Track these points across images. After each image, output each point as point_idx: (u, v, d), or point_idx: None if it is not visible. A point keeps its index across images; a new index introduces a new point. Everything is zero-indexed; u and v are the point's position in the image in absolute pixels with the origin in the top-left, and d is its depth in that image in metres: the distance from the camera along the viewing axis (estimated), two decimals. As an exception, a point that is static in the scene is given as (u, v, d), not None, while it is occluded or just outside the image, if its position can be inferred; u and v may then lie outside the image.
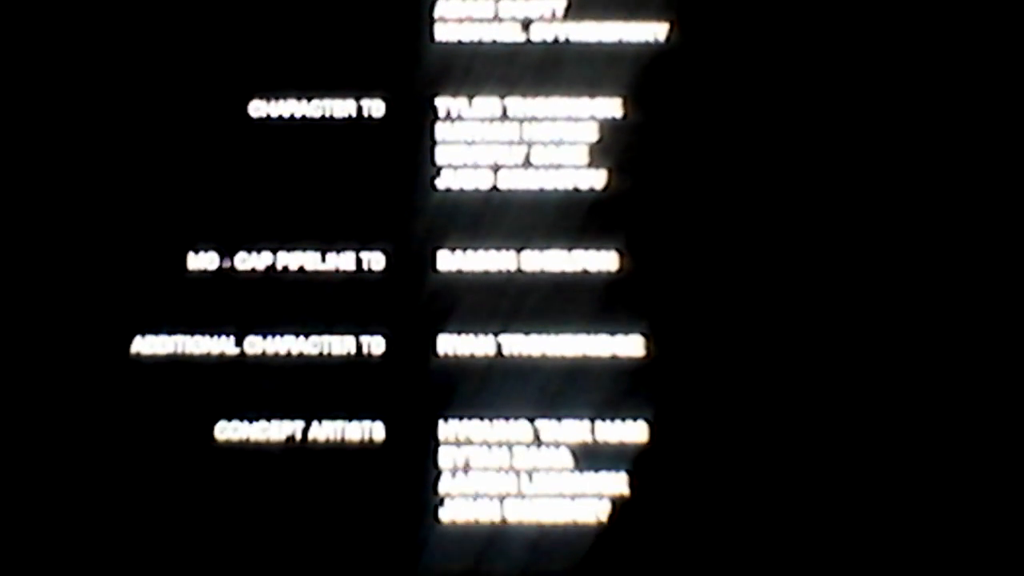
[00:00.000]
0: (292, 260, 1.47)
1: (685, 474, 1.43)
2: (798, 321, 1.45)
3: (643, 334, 1.45)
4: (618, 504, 1.43)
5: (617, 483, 1.44)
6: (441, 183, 1.48)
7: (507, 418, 1.44)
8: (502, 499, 1.44)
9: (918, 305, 1.45)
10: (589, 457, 1.44)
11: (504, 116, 1.49)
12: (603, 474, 1.44)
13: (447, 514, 1.43)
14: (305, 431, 1.44)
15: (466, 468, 1.44)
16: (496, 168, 1.48)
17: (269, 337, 1.46)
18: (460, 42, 1.49)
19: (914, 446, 1.43)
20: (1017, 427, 1.42)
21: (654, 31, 1.48)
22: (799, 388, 1.44)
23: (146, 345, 1.46)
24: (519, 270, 1.46)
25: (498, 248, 1.47)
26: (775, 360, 1.44)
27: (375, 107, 1.49)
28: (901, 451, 1.43)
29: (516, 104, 1.48)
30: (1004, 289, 1.44)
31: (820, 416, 1.43)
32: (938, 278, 1.45)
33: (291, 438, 1.44)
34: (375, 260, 1.47)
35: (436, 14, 1.48)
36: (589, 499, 1.44)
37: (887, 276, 1.45)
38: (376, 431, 1.45)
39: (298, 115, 1.48)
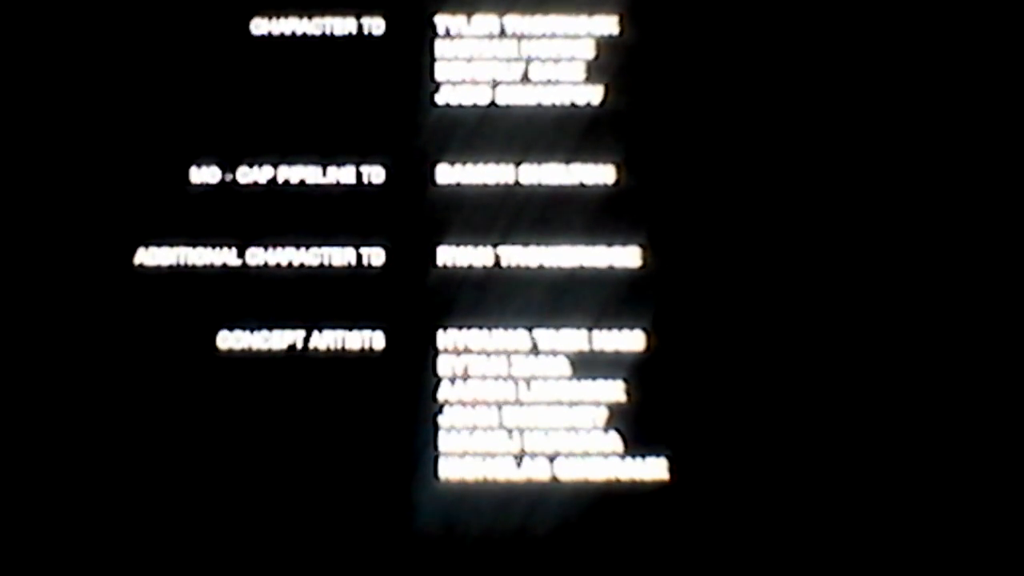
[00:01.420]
0: (293, 173, 1.49)
1: (681, 382, 1.45)
2: (793, 231, 1.47)
3: (640, 245, 1.47)
4: (615, 411, 1.45)
5: (614, 391, 1.45)
6: (440, 99, 1.50)
7: (505, 327, 1.46)
8: (500, 406, 1.45)
9: (909, 235, 1.47)
10: (586, 365, 1.46)
11: (502, 34, 1.51)
12: (600, 382, 1.45)
13: (445, 420, 1.45)
14: (306, 340, 1.46)
15: (465, 376, 1.46)
16: (494, 84, 1.50)
17: (270, 248, 1.47)
18: (459, -40, 1.51)
19: (901, 369, 1.45)
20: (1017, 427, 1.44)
21: (650, -51, 1.51)
22: (795, 298, 1.46)
23: (149, 256, 1.47)
24: (517, 183, 1.49)
25: (496, 162, 1.49)
26: (771, 269, 1.46)
27: (375, 25, 1.51)
28: (888, 369, 1.45)
29: (514, 22, 1.51)
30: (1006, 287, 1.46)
31: (816, 326, 1.45)
32: (925, 244, 1.47)
33: (292, 347, 1.46)
34: (375, 174, 1.49)
35: (435, -66, 1.51)
36: (587, 406, 1.45)
37: (873, 205, 1.48)
38: (376, 340, 1.46)
39: (299, 32, 1.51)
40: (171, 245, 1.47)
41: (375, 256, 1.48)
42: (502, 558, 1.42)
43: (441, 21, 1.51)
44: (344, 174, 1.49)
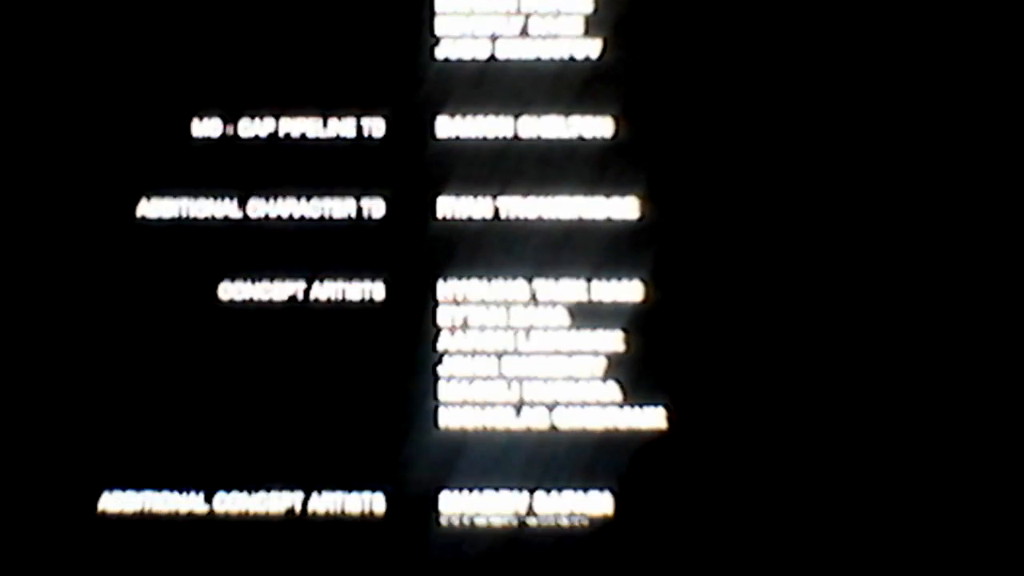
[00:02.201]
0: (294, 126, 1.50)
1: (680, 332, 1.46)
2: (791, 182, 1.48)
3: (638, 196, 1.48)
4: (614, 361, 1.46)
5: (613, 341, 1.46)
6: (440, 53, 1.51)
7: (505, 278, 1.47)
8: (499, 356, 1.46)
9: (908, 218, 1.48)
10: (585, 315, 1.47)
11: (502, -12, 1.52)
12: (599, 332, 1.46)
13: (445, 370, 1.46)
14: (307, 291, 1.47)
15: (464, 326, 1.47)
16: (494, 38, 1.51)
17: (272, 200, 1.48)
18: (459, -85, 1.52)
19: (898, 313, 1.46)
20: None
21: (648, -97, 1.52)
22: (793, 248, 1.47)
23: (151, 208, 1.48)
24: (516, 136, 1.50)
25: (496, 115, 1.50)
26: (768, 219, 1.47)
27: (376, -21, 1.52)
28: (886, 312, 1.46)
29: (513, -24, 1.52)
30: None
31: (814, 275, 1.46)
32: (923, 208, 1.48)
33: (293, 298, 1.47)
34: (376, 127, 1.50)
35: None
36: (585, 356, 1.46)
37: (865, 154, 1.49)
38: (376, 291, 1.47)
39: (300, -13, 1.52)
40: (173, 197, 1.49)
41: (375, 208, 1.49)
42: (500, 507, 1.43)
43: (441, -24, 1.52)
44: (345, 127, 1.50)
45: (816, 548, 1.42)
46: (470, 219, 1.48)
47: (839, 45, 1.49)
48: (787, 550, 1.42)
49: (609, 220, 1.48)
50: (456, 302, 1.47)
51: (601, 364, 1.46)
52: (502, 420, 1.45)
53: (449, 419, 1.45)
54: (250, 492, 1.44)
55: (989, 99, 1.48)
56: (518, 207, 1.48)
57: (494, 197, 1.48)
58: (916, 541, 1.41)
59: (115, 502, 1.44)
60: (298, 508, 1.43)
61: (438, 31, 1.51)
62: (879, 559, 1.41)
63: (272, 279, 1.47)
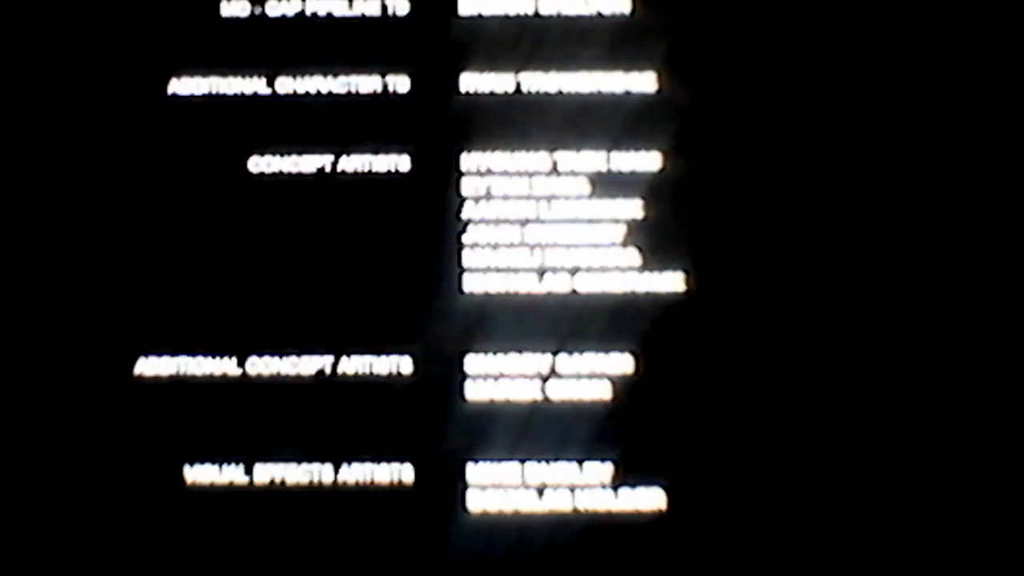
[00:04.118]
0: (320, 6, 1.54)
1: (696, 200, 1.50)
2: (809, 58, 1.52)
3: (656, 70, 1.52)
4: (633, 227, 1.50)
5: (632, 208, 1.50)
6: (462, -62, 1.55)
7: (527, 150, 1.51)
8: (523, 223, 1.50)
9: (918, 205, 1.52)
10: (605, 184, 1.51)
11: None
12: (619, 200, 1.50)
13: (469, 238, 1.50)
14: (335, 164, 1.51)
15: (488, 196, 1.51)
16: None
17: (299, 77, 1.53)
18: None
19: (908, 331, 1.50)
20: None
21: None
22: (812, 119, 1.51)
23: (182, 86, 1.53)
24: (537, 13, 1.54)
25: (517, -7, 1.54)
26: (786, 89, 1.51)
27: None
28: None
29: None
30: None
31: (837, 141, 1.50)
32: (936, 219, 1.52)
33: (321, 170, 1.51)
34: (400, 5, 1.54)
35: None
36: (605, 224, 1.50)
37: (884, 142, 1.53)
38: (402, 163, 1.52)
39: None
40: (203, 75, 1.53)
41: (400, 83, 1.53)
42: (522, 368, 1.47)
43: None
44: (370, 6, 1.54)
45: (832, 409, 1.46)
46: (492, 93, 1.52)
47: None
48: (804, 408, 1.46)
49: (628, 93, 1.52)
50: (480, 173, 1.51)
51: (621, 231, 1.50)
52: (525, 285, 1.49)
53: (473, 284, 1.49)
54: (281, 356, 1.48)
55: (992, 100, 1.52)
56: (540, 81, 1.52)
57: (516, 72, 1.53)
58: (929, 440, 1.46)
59: (151, 366, 1.48)
60: (328, 370, 1.48)
61: (460, -85, 1.55)
62: (887, 435, 1.45)
63: (301, 152, 1.51)
